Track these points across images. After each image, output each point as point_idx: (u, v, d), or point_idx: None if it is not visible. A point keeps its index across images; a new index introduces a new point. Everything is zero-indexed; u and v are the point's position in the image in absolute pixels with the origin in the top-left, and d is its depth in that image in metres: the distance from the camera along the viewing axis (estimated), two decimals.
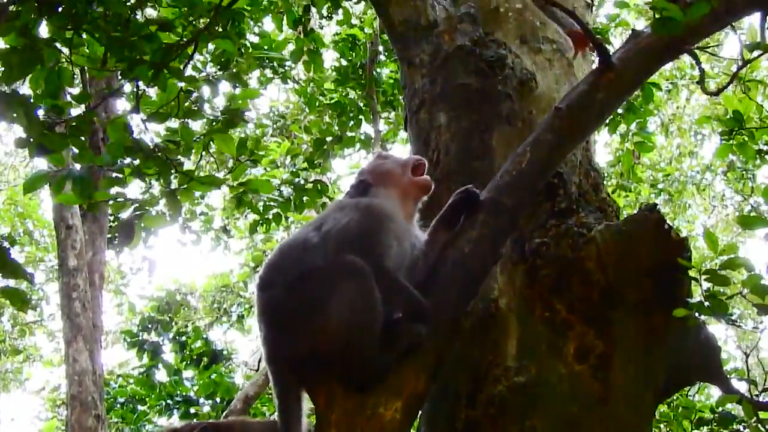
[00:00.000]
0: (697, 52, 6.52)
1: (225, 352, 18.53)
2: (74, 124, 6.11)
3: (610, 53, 5.83)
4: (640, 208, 5.81)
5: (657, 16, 5.06)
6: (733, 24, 6.15)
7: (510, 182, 5.45)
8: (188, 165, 7.24)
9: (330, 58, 17.07)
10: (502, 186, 5.44)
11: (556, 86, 7.17)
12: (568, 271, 5.83)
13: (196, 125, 7.27)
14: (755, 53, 5.93)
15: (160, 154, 6.41)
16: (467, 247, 5.25)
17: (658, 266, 5.63)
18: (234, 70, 9.01)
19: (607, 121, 13.21)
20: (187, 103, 6.65)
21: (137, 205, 6.97)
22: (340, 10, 14.67)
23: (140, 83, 6.37)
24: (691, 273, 5.58)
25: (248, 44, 13.73)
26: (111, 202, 6.84)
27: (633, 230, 5.70)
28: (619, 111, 13.26)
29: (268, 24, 15.10)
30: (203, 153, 7.14)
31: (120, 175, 6.65)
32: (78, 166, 6.48)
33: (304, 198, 13.71)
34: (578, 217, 6.11)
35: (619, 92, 5.92)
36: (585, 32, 5.86)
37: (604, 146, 21.48)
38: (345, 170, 20.00)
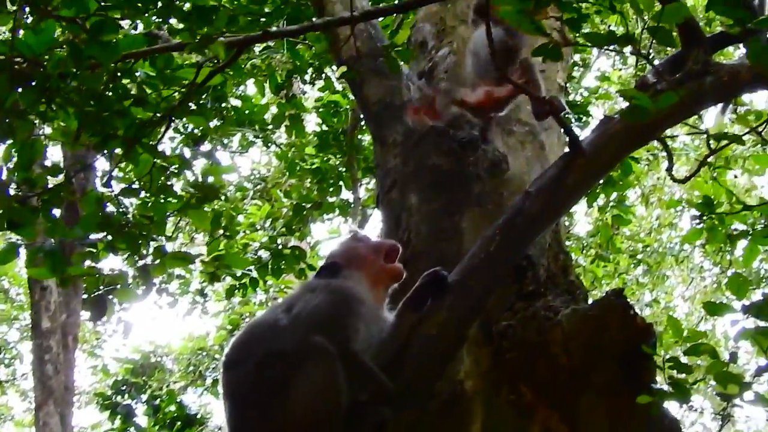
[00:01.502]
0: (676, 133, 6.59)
1: (199, 417, 18.36)
2: (46, 198, 6.13)
3: (581, 138, 5.89)
4: (606, 293, 5.83)
5: (627, 104, 5.11)
6: None
7: (478, 265, 5.49)
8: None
9: (312, 122, 17.10)
10: (470, 269, 5.48)
11: (527, 169, 7.19)
12: (535, 354, 5.83)
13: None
14: (722, 142, 5.98)
15: (131, 230, 6.41)
16: (434, 330, 5.30)
17: (623, 351, 5.65)
18: (208, 147, 9.04)
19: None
20: (162, 178, 6.67)
21: (110, 279, 6.97)
22: (323, 75, 14.74)
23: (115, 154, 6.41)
24: (657, 359, 5.60)
25: (230, 107, 13.78)
26: (83, 277, 6.82)
27: (599, 315, 5.71)
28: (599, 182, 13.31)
29: (250, 88, 15.17)
30: (179, 223, 7.16)
31: (93, 249, 6.65)
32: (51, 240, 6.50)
33: (282, 264, 13.71)
34: (545, 300, 6.13)
35: (590, 177, 5.97)
36: (556, 118, 5.92)
37: (584, 215, 21.55)
38: (324, 235, 19.98)
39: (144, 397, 18.02)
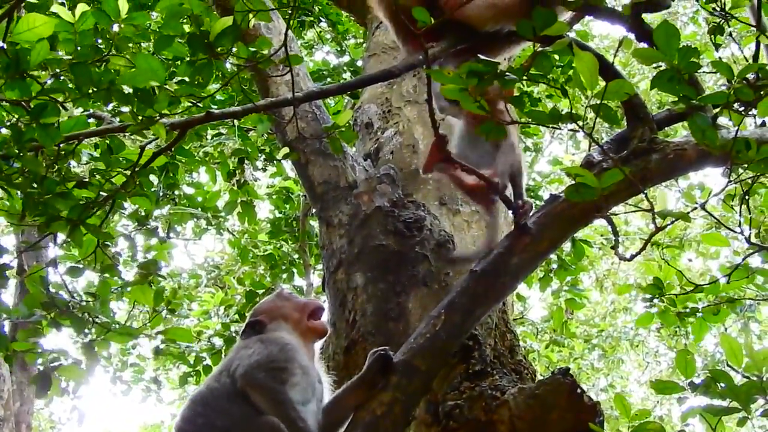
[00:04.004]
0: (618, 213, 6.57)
1: None
2: None
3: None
4: (553, 372, 5.81)
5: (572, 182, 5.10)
6: None
7: (424, 345, 5.43)
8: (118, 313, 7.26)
9: (265, 209, 17.09)
10: (416, 349, 5.43)
11: (473, 248, 7.20)
12: None
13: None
14: (667, 220, 5.98)
15: (75, 310, 6.39)
16: (379, 410, 5.23)
17: (571, 430, 5.62)
18: (151, 226, 9.02)
19: (541, 276, 13.32)
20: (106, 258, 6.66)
21: (54, 356, 6.95)
22: (274, 162, 14.75)
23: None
24: None
25: (182, 194, 13.75)
26: (27, 353, 6.81)
27: (546, 394, 5.70)
28: (553, 266, 13.35)
29: (203, 175, 15.17)
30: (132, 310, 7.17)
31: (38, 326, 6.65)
32: None
33: None
34: (492, 380, 6.11)
35: (535, 256, 5.92)
36: (501, 197, 5.92)
37: (538, 300, 21.57)
38: None
39: None
